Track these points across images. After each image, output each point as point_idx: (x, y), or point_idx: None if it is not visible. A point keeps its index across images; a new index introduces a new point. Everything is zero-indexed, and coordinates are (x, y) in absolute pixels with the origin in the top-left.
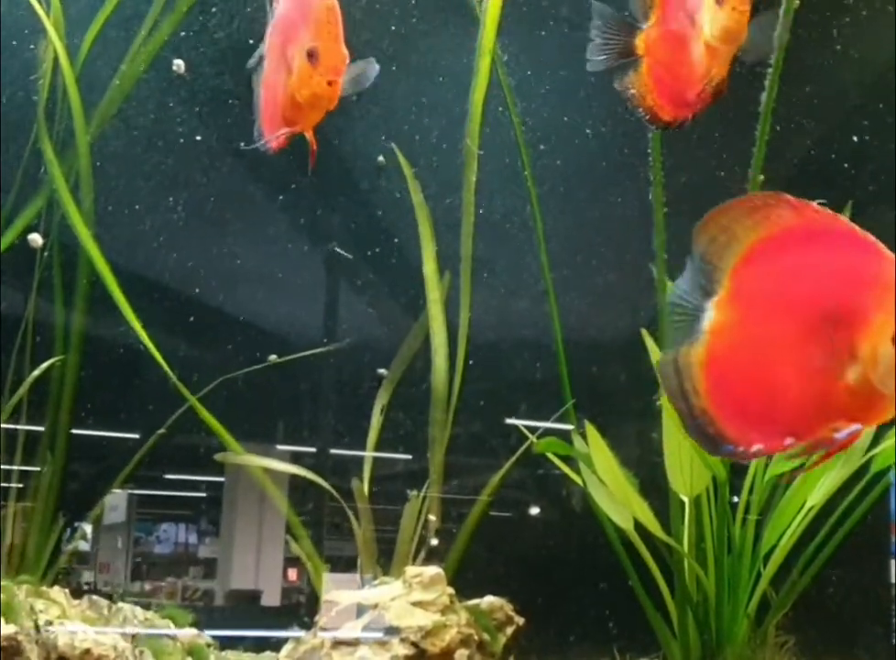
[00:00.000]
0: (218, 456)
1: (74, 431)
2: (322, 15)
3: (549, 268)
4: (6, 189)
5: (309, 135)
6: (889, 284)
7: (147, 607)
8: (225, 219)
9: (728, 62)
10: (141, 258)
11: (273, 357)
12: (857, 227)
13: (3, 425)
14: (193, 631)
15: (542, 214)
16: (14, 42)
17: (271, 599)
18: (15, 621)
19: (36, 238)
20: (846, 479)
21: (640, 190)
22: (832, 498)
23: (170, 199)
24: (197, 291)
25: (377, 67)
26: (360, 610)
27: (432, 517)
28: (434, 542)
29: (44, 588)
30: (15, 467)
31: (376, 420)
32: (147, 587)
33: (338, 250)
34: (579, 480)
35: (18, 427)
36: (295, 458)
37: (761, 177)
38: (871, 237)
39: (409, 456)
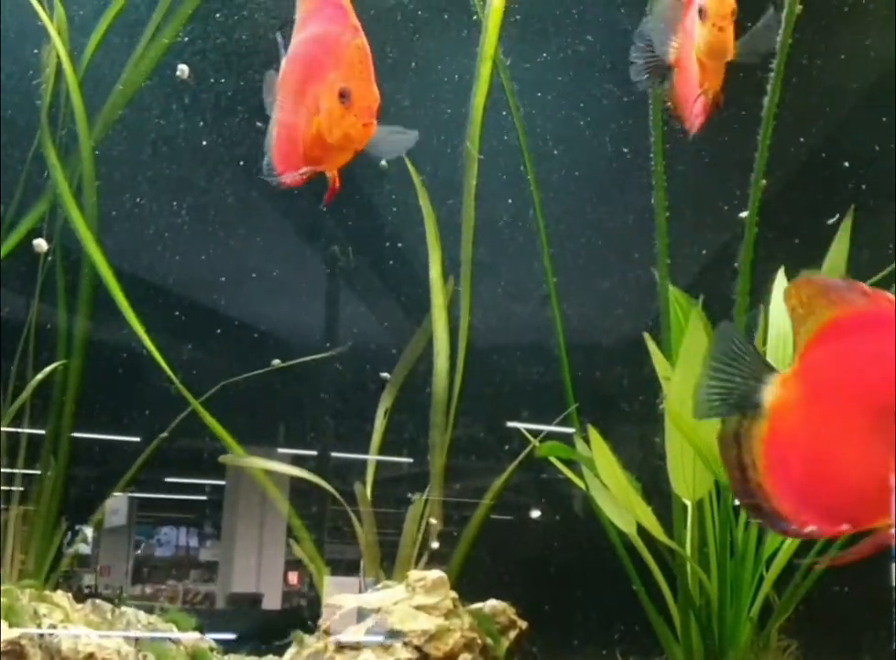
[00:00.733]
0: (222, 459)
1: (76, 434)
2: (354, 55)
3: (551, 272)
4: (9, 193)
5: (333, 174)
6: None
7: (150, 611)
8: (229, 223)
9: (720, 76)
10: (145, 261)
11: (276, 362)
12: None
13: (4, 429)
14: (196, 634)
15: (545, 218)
16: (16, 46)
17: (272, 602)
18: (18, 625)
19: (41, 244)
20: None
21: (643, 194)
22: None
23: (174, 203)
24: (202, 295)
25: (416, 135)
26: (363, 614)
27: (434, 520)
28: (436, 544)
29: (47, 592)
30: (17, 471)
31: (379, 423)
32: (148, 590)
33: (340, 253)
34: (581, 484)
35: (21, 431)
36: (297, 461)
37: (764, 181)
38: None
39: (412, 460)
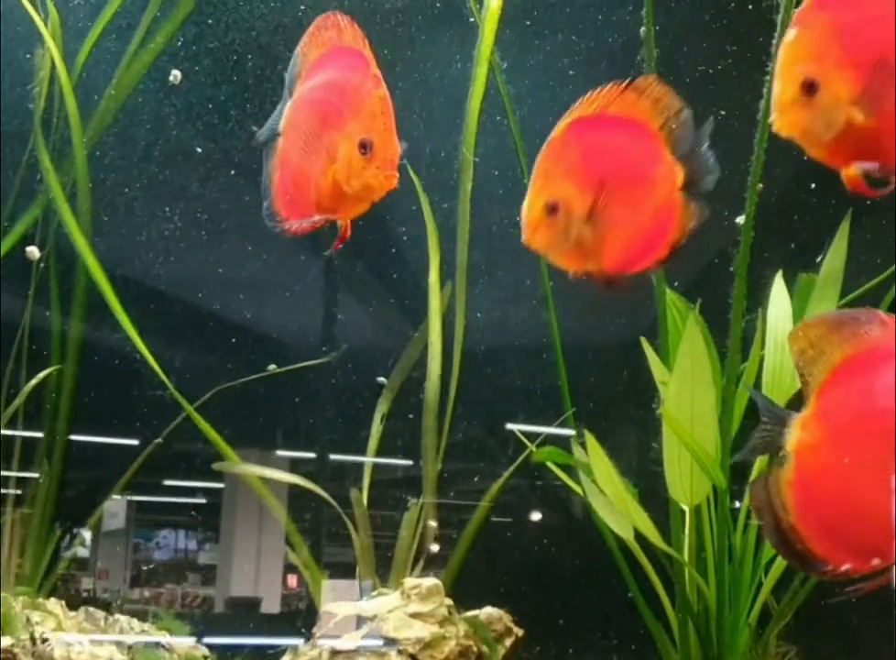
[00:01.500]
0: (215, 466)
1: (74, 438)
2: (377, 106)
3: (548, 275)
4: (5, 196)
5: (346, 223)
6: None
7: (143, 618)
8: (225, 227)
9: None
10: (140, 265)
11: (272, 367)
12: None
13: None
14: (190, 642)
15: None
16: (8, 50)
17: (271, 606)
18: (11, 634)
19: (33, 251)
20: None
21: None
22: None
23: (170, 207)
24: (198, 298)
25: (405, 146)
26: (358, 621)
27: (433, 523)
28: (436, 547)
29: (40, 600)
30: (12, 474)
31: (375, 428)
32: (147, 593)
33: (327, 256)
34: (579, 490)
35: (16, 433)
36: (296, 464)
37: (760, 185)
38: None
39: (411, 462)
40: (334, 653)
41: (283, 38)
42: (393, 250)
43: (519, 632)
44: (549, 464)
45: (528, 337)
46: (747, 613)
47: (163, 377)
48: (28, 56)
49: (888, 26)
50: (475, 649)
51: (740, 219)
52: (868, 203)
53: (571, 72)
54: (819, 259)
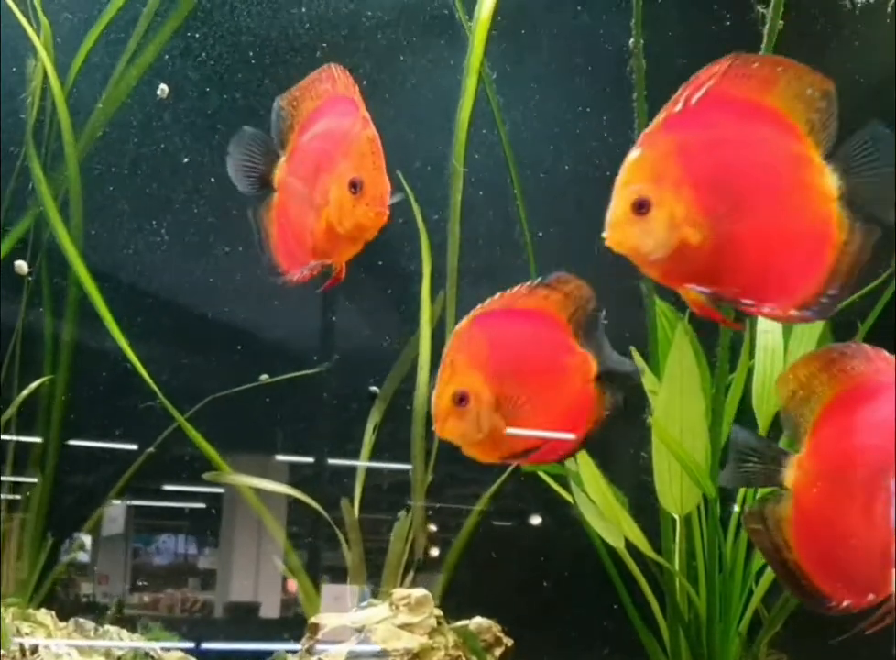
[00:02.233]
0: (206, 476)
1: (70, 443)
2: (365, 146)
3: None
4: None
5: (340, 266)
6: None
7: (133, 629)
8: (217, 233)
9: None
10: (133, 271)
11: (264, 377)
12: None
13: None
14: (179, 653)
15: (531, 231)
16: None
17: (270, 611)
18: (3, 646)
19: (21, 266)
20: None
21: None
22: None
23: (162, 213)
24: (192, 305)
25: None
26: (346, 632)
27: (433, 527)
28: (436, 551)
29: (30, 611)
30: (6, 480)
31: (368, 438)
32: (147, 598)
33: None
34: (570, 498)
35: (10, 438)
36: (296, 468)
37: None
38: None
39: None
40: None
41: (269, 52)
42: (387, 259)
43: (509, 641)
44: (540, 473)
45: None
46: (737, 621)
47: (154, 387)
48: (14, 70)
49: (729, 149)
50: (464, 659)
51: None
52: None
53: (560, 84)
54: None
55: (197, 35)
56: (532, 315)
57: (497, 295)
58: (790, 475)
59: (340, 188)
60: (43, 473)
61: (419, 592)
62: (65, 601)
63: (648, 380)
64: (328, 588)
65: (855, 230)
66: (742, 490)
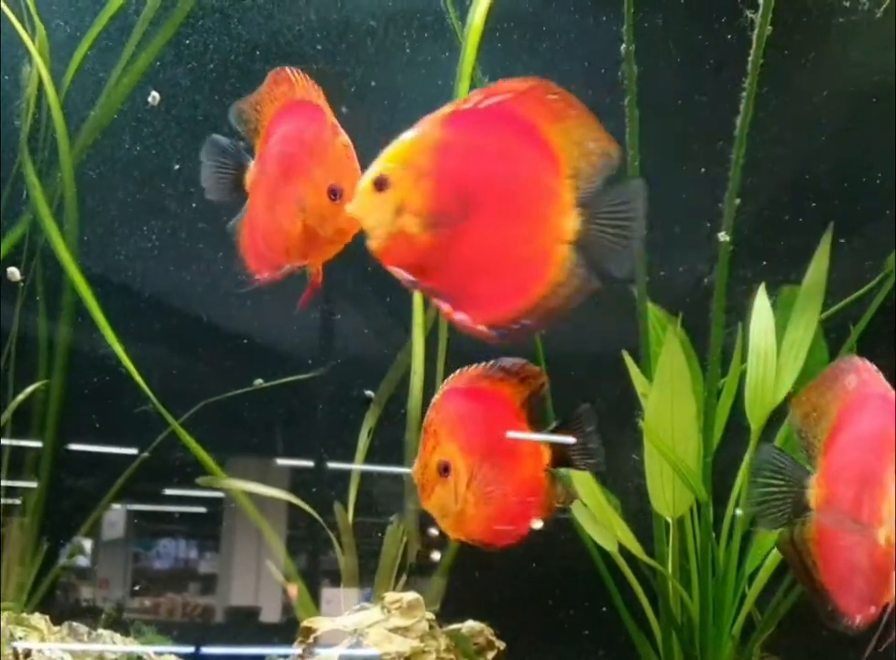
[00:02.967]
0: (200, 480)
1: (69, 447)
2: (341, 152)
3: None
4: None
5: (317, 269)
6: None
7: (126, 633)
8: (213, 236)
9: None
10: (128, 274)
11: (259, 382)
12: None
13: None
14: (173, 658)
15: None
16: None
17: (271, 615)
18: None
19: (14, 273)
20: None
21: None
22: None
23: (157, 217)
24: (188, 308)
25: None
26: (339, 636)
27: (434, 531)
28: (437, 556)
29: (24, 615)
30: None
31: (362, 443)
32: (147, 602)
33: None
34: None
35: (5, 441)
36: (297, 472)
37: (738, 200)
38: None
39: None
40: None
41: (261, 58)
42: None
43: (501, 645)
44: None
45: (511, 351)
46: (730, 624)
47: (147, 391)
48: (7, 78)
49: (486, 159)
50: None
51: (721, 235)
52: (849, 215)
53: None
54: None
55: (188, 42)
56: (491, 397)
57: (457, 372)
58: (812, 495)
59: (318, 195)
60: (39, 477)
61: (410, 596)
62: (65, 606)
63: (639, 383)
64: (323, 592)
65: (575, 275)
66: (736, 493)
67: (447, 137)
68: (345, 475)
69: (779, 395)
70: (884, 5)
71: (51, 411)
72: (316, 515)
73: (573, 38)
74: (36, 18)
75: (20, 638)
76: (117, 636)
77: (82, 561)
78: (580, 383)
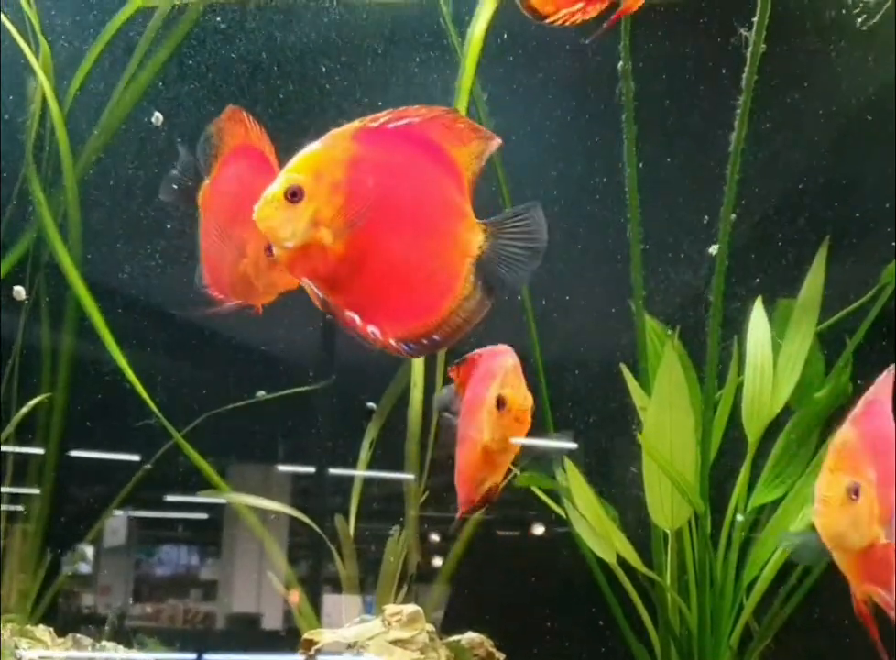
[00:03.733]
0: (202, 494)
1: (72, 454)
2: None
3: (530, 299)
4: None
5: (258, 309)
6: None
7: (129, 644)
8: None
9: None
10: (132, 284)
11: (261, 394)
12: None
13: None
14: None
15: None
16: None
17: (273, 622)
18: None
19: (20, 292)
20: None
21: (618, 226)
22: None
23: (160, 227)
24: (190, 320)
25: None
26: (340, 648)
27: (435, 536)
28: (439, 562)
29: (28, 627)
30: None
31: (364, 455)
32: (149, 609)
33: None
34: (562, 513)
35: (10, 449)
36: (299, 478)
37: (733, 216)
38: None
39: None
40: None
41: (262, 79)
42: None
43: (501, 656)
44: (533, 488)
45: None
46: (728, 635)
47: (151, 404)
48: (11, 97)
49: (396, 176)
50: None
51: (713, 249)
52: (844, 229)
53: (551, 105)
54: None
55: (190, 62)
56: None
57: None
58: None
59: (257, 249)
60: (41, 485)
61: (411, 608)
62: (67, 613)
63: (637, 397)
64: (325, 602)
65: (477, 289)
66: (733, 503)
67: (358, 151)
68: (348, 487)
69: (776, 407)
70: (873, 20)
71: (55, 420)
72: (316, 527)
73: (569, 55)
74: (40, 36)
75: (25, 650)
76: (121, 648)
77: (84, 568)
78: (578, 396)
